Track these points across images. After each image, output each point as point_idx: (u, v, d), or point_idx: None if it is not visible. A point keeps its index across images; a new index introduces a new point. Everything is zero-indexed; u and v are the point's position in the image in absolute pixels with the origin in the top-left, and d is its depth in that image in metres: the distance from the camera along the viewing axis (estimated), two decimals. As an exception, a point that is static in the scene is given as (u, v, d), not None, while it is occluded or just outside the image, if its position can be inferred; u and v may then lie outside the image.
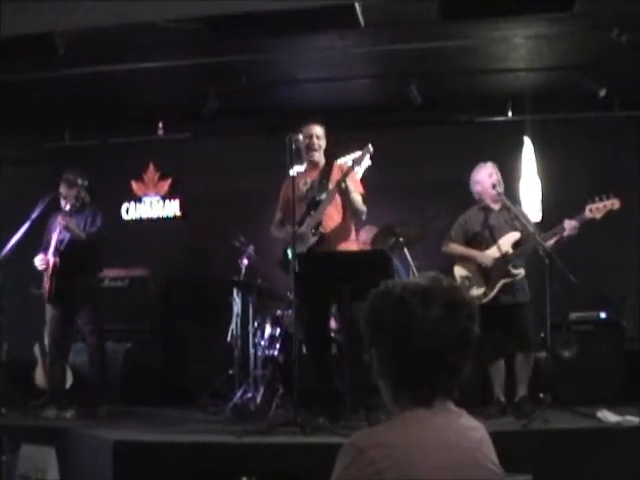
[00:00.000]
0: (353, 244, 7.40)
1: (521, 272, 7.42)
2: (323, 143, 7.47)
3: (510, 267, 7.40)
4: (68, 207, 8.21)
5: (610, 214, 7.10)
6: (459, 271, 7.70)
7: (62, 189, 8.23)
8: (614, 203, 7.06)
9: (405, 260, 8.25)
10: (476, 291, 7.38)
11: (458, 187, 8.54)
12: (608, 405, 6.86)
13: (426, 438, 2.20)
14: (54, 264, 8.06)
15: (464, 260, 7.70)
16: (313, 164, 7.50)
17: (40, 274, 8.24)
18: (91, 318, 8.19)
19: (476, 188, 7.68)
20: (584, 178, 9.19)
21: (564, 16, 7.23)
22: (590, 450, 6.05)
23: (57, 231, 8.04)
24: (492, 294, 7.35)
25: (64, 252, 8.06)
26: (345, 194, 7.07)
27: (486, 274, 7.52)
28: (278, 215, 7.55)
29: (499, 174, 7.63)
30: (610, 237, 8.72)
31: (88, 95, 9.39)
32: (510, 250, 7.45)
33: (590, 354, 8.17)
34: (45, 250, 8.22)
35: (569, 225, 7.12)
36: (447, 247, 7.80)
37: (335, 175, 7.26)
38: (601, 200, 7.05)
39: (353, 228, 7.43)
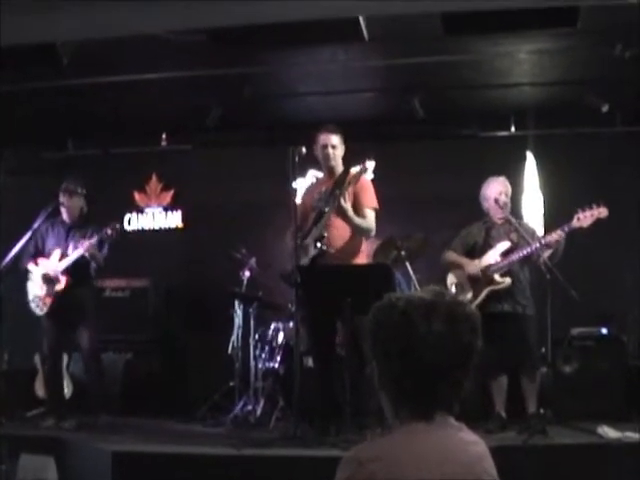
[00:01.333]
0: (362, 257, 7.30)
1: (507, 281, 7.43)
2: (340, 152, 7.34)
3: (496, 276, 7.44)
4: (68, 218, 8.23)
5: (598, 223, 7.12)
6: (451, 278, 7.82)
7: (62, 199, 8.22)
8: (601, 212, 7.10)
9: (407, 274, 8.25)
10: (464, 297, 7.42)
11: (460, 201, 8.59)
12: (609, 421, 6.86)
13: (426, 452, 2.20)
14: (67, 282, 8.04)
15: (456, 267, 7.79)
16: (330, 173, 7.40)
17: (25, 282, 8.24)
18: (89, 328, 8.16)
19: (484, 204, 7.71)
20: (586, 193, 9.14)
21: (568, 31, 7.24)
22: (590, 466, 6.05)
23: (77, 252, 7.97)
24: (477, 301, 7.39)
25: (73, 271, 8.05)
26: (342, 214, 6.97)
27: (474, 281, 7.59)
28: (293, 226, 7.39)
29: (509, 189, 7.67)
30: (612, 253, 8.73)
31: (91, 106, 9.41)
32: (498, 259, 7.47)
33: (591, 370, 8.15)
34: (33, 258, 8.21)
35: (549, 238, 7.16)
36: (443, 255, 7.91)
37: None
38: (590, 209, 7.09)
39: (363, 242, 7.31)
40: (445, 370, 2.26)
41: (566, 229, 7.14)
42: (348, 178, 6.95)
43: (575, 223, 7.12)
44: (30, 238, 8.08)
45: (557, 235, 7.16)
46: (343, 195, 6.88)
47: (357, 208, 7.09)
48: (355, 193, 7.10)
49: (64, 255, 8.05)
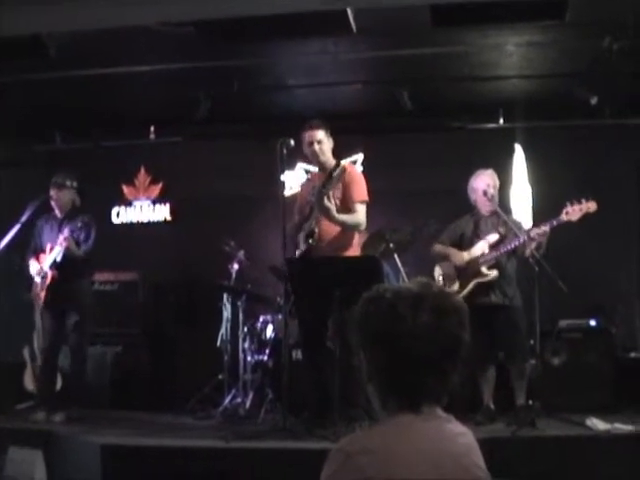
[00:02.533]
0: (355, 250, 7.25)
1: (493, 273, 7.45)
2: (327, 146, 7.24)
3: (483, 268, 7.45)
4: (59, 212, 8.22)
5: (587, 217, 7.11)
6: (438, 270, 7.84)
7: (52, 192, 8.20)
8: (590, 206, 7.08)
9: (395, 266, 8.25)
10: (450, 289, 7.44)
11: (449, 193, 8.60)
12: (597, 413, 6.87)
13: (414, 444, 2.20)
14: (52, 277, 8.03)
15: (444, 259, 7.82)
16: (322, 168, 7.31)
17: (29, 278, 8.22)
18: (79, 319, 8.15)
19: (472, 196, 7.71)
20: (575, 185, 9.16)
21: (556, 24, 7.24)
22: (579, 458, 6.07)
23: (57, 248, 7.96)
24: (464, 293, 7.40)
25: (60, 264, 8.02)
26: (325, 214, 6.90)
27: (461, 273, 7.63)
28: (295, 218, 7.33)
29: (497, 181, 7.67)
30: (600, 244, 8.74)
31: (79, 98, 9.36)
32: (486, 251, 7.49)
33: (580, 362, 8.16)
34: (34, 254, 8.20)
35: (535, 232, 7.16)
36: (432, 247, 7.93)
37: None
38: (579, 203, 7.08)
39: (355, 235, 7.25)
40: (433, 362, 2.26)
41: (554, 223, 7.13)
42: (333, 176, 6.88)
43: (564, 217, 7.11)
44: (20, 232, 8.06)
45: (543, 229, 7.15)
46: (327, 194, 6.80)
47: (347, 202, 7.06)
48: (344, 187, 7.06)
49: (52, 248, 8.05)
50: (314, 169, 7.79)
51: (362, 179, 7.27)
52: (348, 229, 7.09)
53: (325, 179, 6.91)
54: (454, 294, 2.43)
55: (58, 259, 7.94)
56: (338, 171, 6.78)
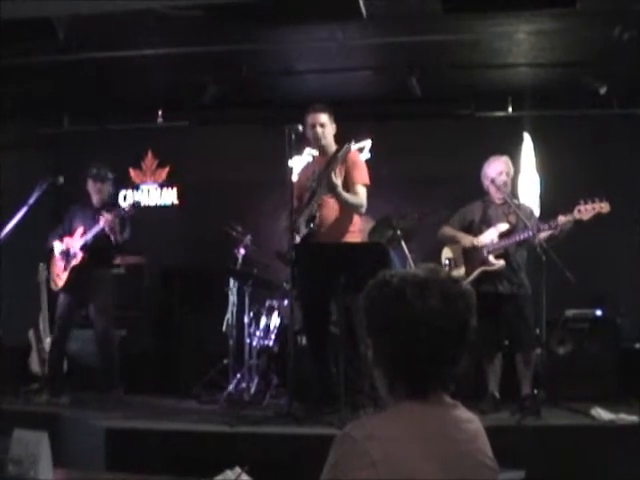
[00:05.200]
0: (355, 237, 7.25)
1: (500, 263, 7.44)
2: (330, 130, 7.27)
3: (489, 256, 7.45)
4: (97, 202, 8.32)
5: (599, 217, 7.09)
6: (446, 253, 7.87)
7: (95, 186, 8.29)
8: (603, 207, 7.05)
9: (402, 253, 8.24)
10: (457, 273, 7.46)
11: (457, 180, 8.61)
12: (602, 403, 6.88)
13: (420, 430, 2.20)
14: (82, 258, 8.09)
15: (452, 243, 7.82)
16: (323, 152, 7.35)
17: (49, 259, 8.26)
18: (103, 308, 8.20)
19: (484, 183, 7.69)
20: (583, 174, 9.19)
21: (567, 12, 7.22)
22: (583, 447, 6.07)
23: (96, 227, 7.99)
24: (469, 279, 7.40)
25: (91, 247, 8.06)
26: (331, 189, 6.93)
27: (468, 258, 7.64)
28: (295, 204, 7.23)
29: (511, 169, 7.65)
30: (607, 235, 8.71)
31: (87, 81, 9.36)
32: (495, 240, 7.47)
33: (585, 352, 8.17)
34: (61, 237, 8.26)
35: (562, 220, 7.13)
36: (441, 230, 7.92)
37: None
38: (593, 202, 7.05)
39: (356, 219, 7.26)
40: (441, 348, 2.25)
41: (565, 220, 7.11)
42: (338, 155, 6.90)
43: (576, 215, 7.09)
44: (27, 214, 8.06)
45: (567, 219, 7.12)
46: (334, 170, 6.86)
47: (348, 184, 7.06)
48: (346, 170, 7.08)
49: (85, 232, 8.07)
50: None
51: (363, 163, 7.31)
52: (350, 209, 7.08)
53: (330, 158, 6.93)
54: (461, 279, 2.42)
55: (89, 242, 7.99)
56: (344, 150, 6.82)
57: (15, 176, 9.82)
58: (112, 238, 8.03)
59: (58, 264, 8.25)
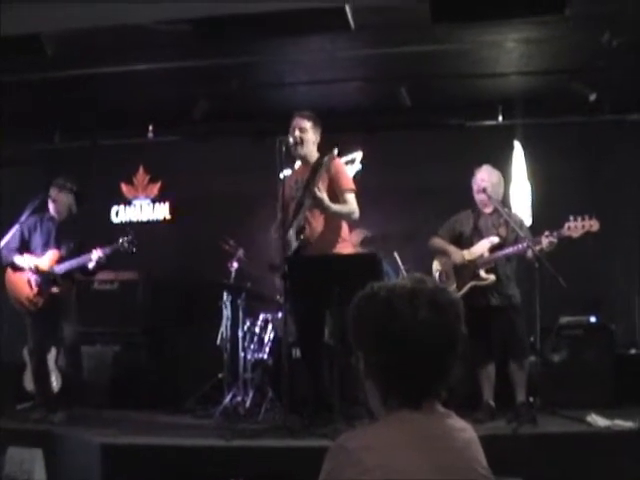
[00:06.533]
0: (345, 246, 7.24)
1: (491, 278, 7.43)
2: (310, 137, 7.22)
3: (480, 271, 7.44)
4: (55, 214, 8.19)
5: (588, 235, 7.09)
6: (436, 265, 7.83)
7: (51, 192, 8.17)
8: (593, 225, 7.04)
9: (395, 263, 8.24)
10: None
11: (448, 191, 8.61)
12: (598, 409, 6.87)
13: (414, 439, 2.19)
14: (64, 286, 8.04)
15: (442, 255, 7.79)
16: (304, 161, 7.33)
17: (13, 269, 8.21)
18: (71, 321, 8.13)
19: (473, 191, 7.69)
20: (574, 182, 9.21)
21: (555, 20, 7.24)
22: (580, 454, 6.07)
23: (83, 259, 7.90)
24: (460, 294, 7.34)
25: (63, 275, 8.03)
26: (319, 205, 6.90)
27: (459, 272, 7.62)
28: (279, 216, 7.21)
29: (495, 177, 7.64)
30: (600, 241, 8.71)
31: (78, 97, 9.36)
32: (486, 254, 7.47)
33: (580, 358, 8.19)
34: (19, 251, 8.13)
35: (544, 242, 7.12)
36: (431, 240, 7.87)
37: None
38: (583, 219, 7.05)
39: (345, 228, 7.24)
40: (432, 358, 2.25)
41: (555, 235, 7.11)
42: (320, 166, 6.87)
43: (565, 232, 7.08)
44: (19, 232, 8.03)
45: (549, 240, 7.11)
46: (317, 185, 6.82)
47: (336, 193, 7.04)
48: (331, 179, 7.04)
49: (62, 257, 8.02)
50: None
51: (346, 169, 7.33)
52: (343, 219, 7.06)
53: (312, 168, 6.91)
54: (448, 288, 2.42)
55: (71, 269, 7.97)
56: (327, 158, 6.79)
57: (6, 193, 9.80)
58: (90, 267, 7.98)
59: (26, 285, 8.04)
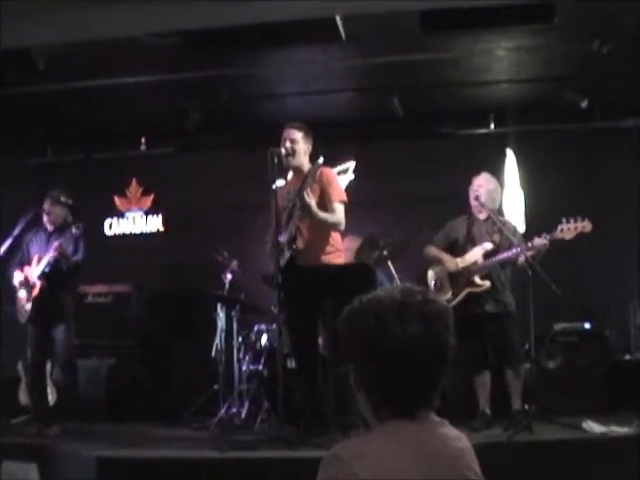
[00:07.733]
0: (339, 256, 7.20)
1: (486, 284, 7.44)
2: (302, 148, 7.18)
3: (475, 278, 7.45)
4: (50, 225, 8.20)
5: (581, 236, 7.10)
6: (431, 274, 7.83)
7: (46, 205, 8.19)
8: (585, 226, 7.06)
9: (389, 273, 8.24)
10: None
11: (441, 199, 8.62)
12: (593, 416, 6.88)
13: (408, 448, 2.19)
14: (41, 287, 8.02)
15: (437, 263, 7.79)
16: (297, 172, 7.32)
17: (12, 291, 8.21)
18: (65, 333, 8.13)
19: (470, 198, 7.70)
20: (567, 189, 9.22)
21: (545, 28, 7.26)
22: (576, 461, 6.06)
23: (48, 255, 7.95)
24: (456, 301, 7.39)
25: (48, 275, 8.01)
26: (307, 210, 6.85)
27: (454, 280, 7.62)
28: (272, 227, 7.11)
29: (491, 184, 7.66)
30: (594, 248, 8.72)
31: (70, 111, 9.36)
32: (480, 260, 7.48)
33: (574, 365, 8.19)
34: (20, 266, 8.18)
35: (538, 242, 7.13)
36: (426, 248, 7.88)
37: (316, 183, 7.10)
38: (575, 221, 7.07)
39: (336, 238, 7.19)
40: (423, 369, 2.24)
41: (548, 237, 7.12)
42: (311, 170, 6.87)
43: (558, 234, 7.10)
44: (12, 246, 8.04)
45: (537, 244, 7.13)
46: (306, 190, 6.79)
47: (325, 203, 7.01)
48: (322, 188, 7.04)
49: (40, 259, 8.02)
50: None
51: (338, 180, 7.29)
52: (328, 228, 7.05)
53: (304, 178, 6.90)
54: (436, 298, 2.40)
55: (47, 270, 7.93)
56: (315, 167, 6.79)
57: (2, 207, 9.80)
58: (62, 263, 8.00)
59: (20, 295, 8.16)
